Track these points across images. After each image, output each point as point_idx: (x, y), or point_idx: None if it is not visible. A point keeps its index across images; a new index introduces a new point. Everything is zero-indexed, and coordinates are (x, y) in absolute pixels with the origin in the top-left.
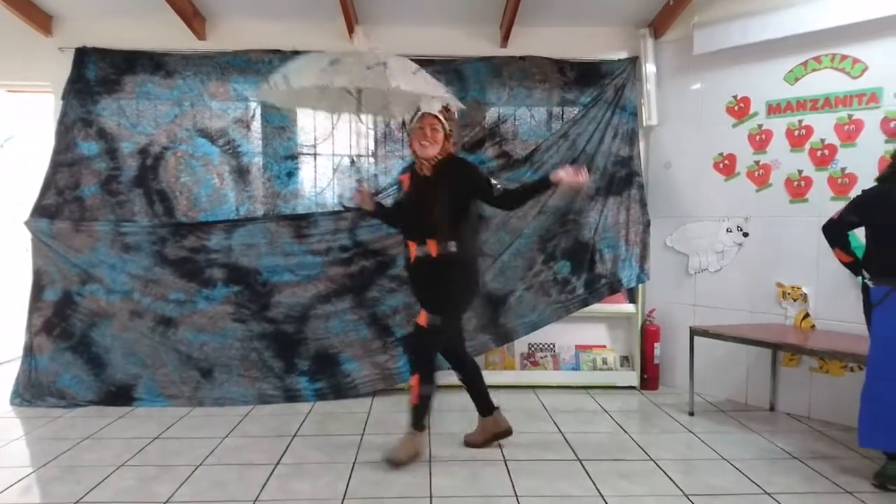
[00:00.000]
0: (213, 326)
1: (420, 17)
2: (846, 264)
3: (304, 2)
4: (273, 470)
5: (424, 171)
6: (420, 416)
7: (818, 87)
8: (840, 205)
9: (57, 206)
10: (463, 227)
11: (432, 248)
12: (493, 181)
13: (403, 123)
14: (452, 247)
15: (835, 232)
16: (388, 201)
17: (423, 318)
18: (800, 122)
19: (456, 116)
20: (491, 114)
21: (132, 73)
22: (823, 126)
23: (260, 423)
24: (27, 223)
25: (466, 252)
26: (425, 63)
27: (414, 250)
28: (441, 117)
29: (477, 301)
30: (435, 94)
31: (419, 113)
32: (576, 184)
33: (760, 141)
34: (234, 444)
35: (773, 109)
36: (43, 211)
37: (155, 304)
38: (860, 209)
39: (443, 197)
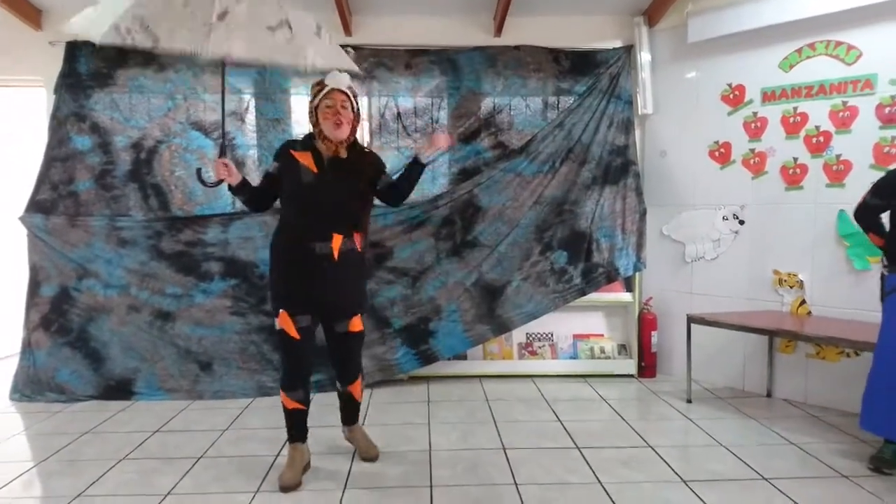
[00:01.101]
0: (211, 320)
1: (414, 6)
2: (880, 248)
3: None
4: (274, 461)
5: (339, 154)
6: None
7: (813, 74)
8: (836, 192)
9: (51, 201)
10: (367, 220)
11: (358, 241)
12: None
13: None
14: (365, 242)
15: (865, 216)
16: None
17: (357, 324)
18: (795, 109)
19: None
20: (486, 104)
21: (124, 66)
22: (818, 113)
23: (260, 416)
24: (22, 219)
25: (367, 248)
26: (419, 53)
27: (339, 243)
28: (350, 93)
29: (475, 291)
30: (341, 66)
31: (326, 88)
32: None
33: (755, 128)
34: (234, 436)
35: (768, 97)
36: (37, 206)
37: (152, 298)
38: (881, 191)
39: (364, 185)
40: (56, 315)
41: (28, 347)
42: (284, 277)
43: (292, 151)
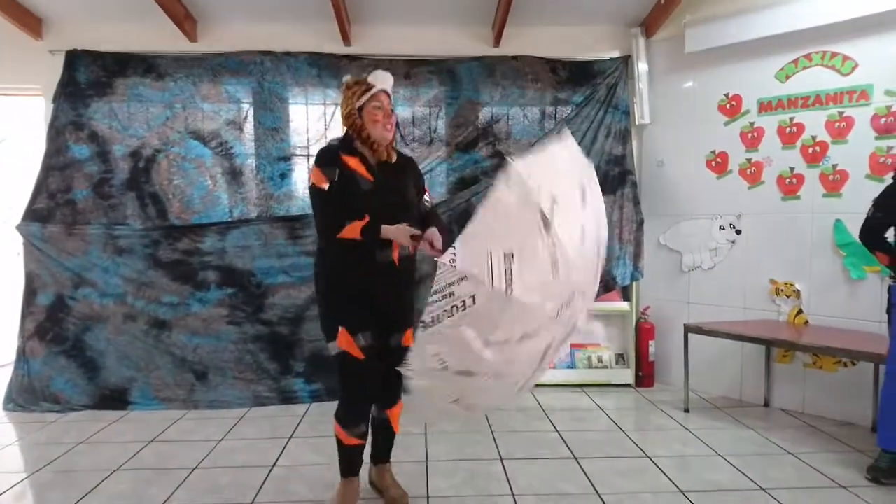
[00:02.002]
0: (207, 329)
1: (413, 17)
2: (888, 266)
3: (297, 3)
4: (269, 472)
5: (389, 158)
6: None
7: (809, 85)
8: (833, 202)
9: (49, 209)
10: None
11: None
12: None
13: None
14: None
15: (870, 234)
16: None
17: (410, 338)
18: (791, 119)
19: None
20: (484, 113)
21: (123, 75)
22: (814, 123)
23: (255, 426)
24: (19, 227)
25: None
26: (418, 63)
27: (397, 249)
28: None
29: None
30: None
31: (374, 89)
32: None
33: (752, 139)
34: (229, 446)
35: (765, 107)
36: (35, 215)
37: (149, 307)
38: (882, 205)
39: (413, 188)
40: (51, 324)
41: (23, 356)
42: (346, 294)
43: (344, 157)
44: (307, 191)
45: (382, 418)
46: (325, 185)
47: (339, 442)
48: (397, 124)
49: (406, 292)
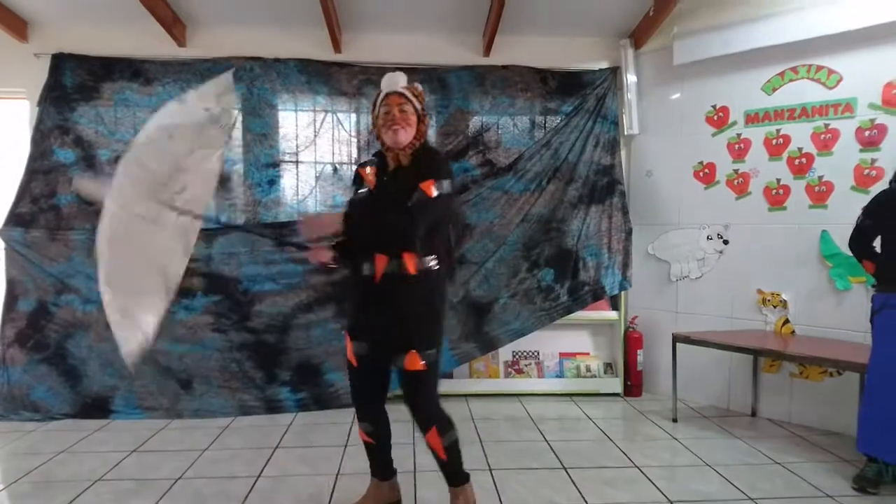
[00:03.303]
0: (192, 337)
1: (404, 25)
2: (873, 275)
3: (287, 9)
4: (254, 483)
5: (401, 162)
6: (456, 467)
7: (795, 97)
8: (819, 213)
9: (31, 214)
10: (439, 236)
11: (409, 262)
12: (426, 190)
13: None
14: (432, 262)
15: (860, 242)
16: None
17: (414, 362)
18: (777, 131)
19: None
20: (474, 122)
21: (110, 79)
22: (801, 135)
23: (241, 435)
24: (0, 232)
25: (442, 272)
26: (409, 71)
27: (381, 265)
28: (409, 94)
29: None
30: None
31: (381, 95)
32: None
33: (739, 150)
34: (214, 456)
35: (752, 119)
36: (17, 220)
37: None
38: (871, 212)
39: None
40: (33, 331)
41: (2, 364)
42: (352, 303)
43: (360, 170)
44: (295, 197)
45: (427, 443)
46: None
47: (364, 441)
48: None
49: (396, 311)
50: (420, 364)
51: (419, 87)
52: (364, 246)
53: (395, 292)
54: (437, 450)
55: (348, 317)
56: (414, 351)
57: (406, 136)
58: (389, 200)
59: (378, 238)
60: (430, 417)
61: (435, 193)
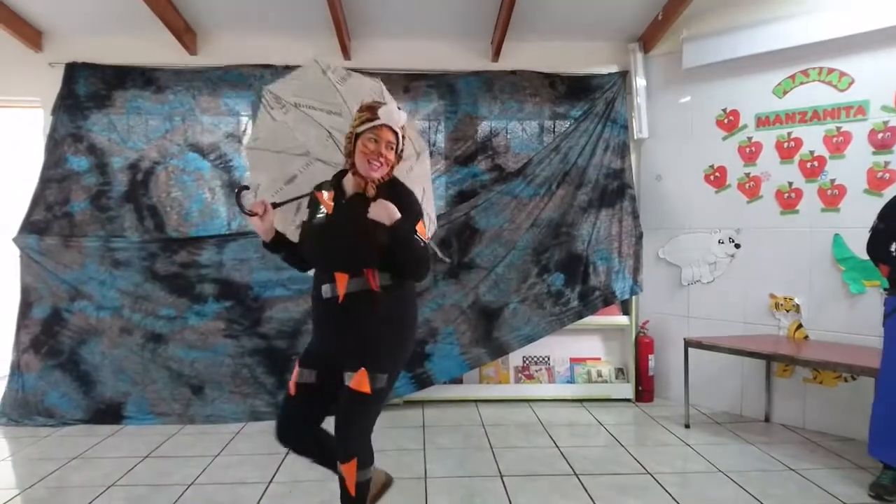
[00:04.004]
0: (204, 342)
1: (413, 32)
2: (889, 278)
3: (297, 17)
4: (266, 489)
5: (367, 191)
6: None
7: (806, 100)
8: (831, 216)
9: (46, 221)
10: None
11: (371, 279)
12: (421, 233)
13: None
14: (389, 280)
15: (876, 245)
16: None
17: (362, 382)
18: (789, 134)
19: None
20: (483, 127)
21: (122, 88)
22: (812, 138)
23: (252, 441)
24: (15, 240)
25: (410, 289)
26: (417, 77)
27: (343, 284)
28: (401, 134)
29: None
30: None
31: (375, 120)
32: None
33: (750, 153)
34: (225, 462)
35: (763, 122)
36: (32, 227)
37: (145, 320)
38: (885, 215)
39: (377, 227)
40: (47, 337)
41: (17, 370)
42: (315, 329)
43: (316, 193)
44: None
45: (339, 474)
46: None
47: None
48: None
49: (355, 327)
50: (366, 387)
51: (416, 125)
52: (323, 268)
53: (358, 310)
54: (348, 484)
55: (308, 344)
56: (364, 371)
57: (381, 172)
58: (348, 227)
59: (338, 258)
60: (356, 450)
61: (426, 240)
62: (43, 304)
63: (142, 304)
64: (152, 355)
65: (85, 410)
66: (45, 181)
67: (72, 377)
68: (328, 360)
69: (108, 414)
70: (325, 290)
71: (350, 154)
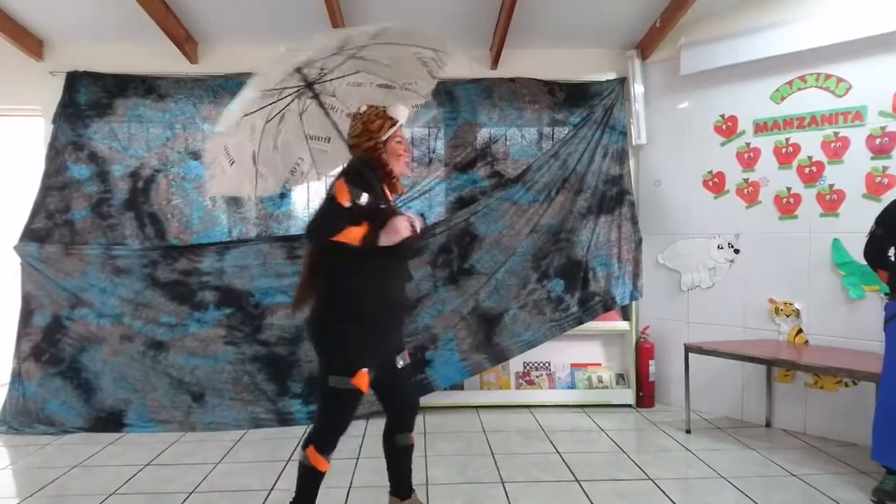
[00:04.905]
0: (204, 350)
1: None
2: (889, 284)
3: (296, 25)
4: (267, 496)
5: (397, 190)
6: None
7: (804, 106)
8: (830, 221)
9: (47, 229)
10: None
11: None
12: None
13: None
14: None
15: (873, 250)
16: None
17: (406, 355)
18: (787, 139)
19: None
20: (482, 134)
21: (123, 96)
22: (810, 144)
23: (253, 448)
24: (16, 248)
25: None
26: None
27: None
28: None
29: (471, 320)
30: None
31: (395, 121)
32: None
33: (749, 159)
34: (226, 469)
35: (761, 128)
36: (32, 235)
37: (146, 327)
38: (883, 221)
39: None
40: (47, 345)
41: (18, 378)
42: (374, 337)
43: (385, 191)
44: (306, 210)
45: (407, 444)
46: (347, 204)
47: (312, 471)
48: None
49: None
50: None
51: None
52: (400, 267)
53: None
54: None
55: (361, 352)
56: (406, 350)
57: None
58: None
59: (412, 256)
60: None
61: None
62: (44, 311)
63: (142, 311)
64: (153, 363)
65: (85, 418)
66: (45, 189)
67: (72, 385)
68: (390, 354)
69: (109, 422)
70: (402, 288)
71: (380, 162)
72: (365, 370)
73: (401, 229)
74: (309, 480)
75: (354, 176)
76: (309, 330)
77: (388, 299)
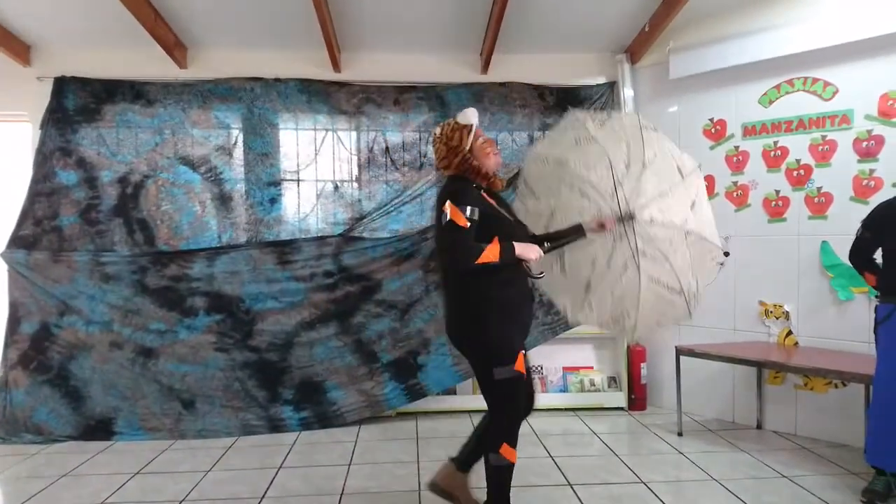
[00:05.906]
0: (194, 356)
1: (402, 44)
2: (874, 287)
3: (286, 30)
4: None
5: (497, 185)
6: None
7: (792, 110)
8: (819, 224)
9: (34, 236)
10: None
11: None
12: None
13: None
14: None
15: (859, 253)
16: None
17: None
18: (775, 143)
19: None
20: None
21: (112, 101)
22: (798, 147)
23: (244, 455)
24: (3, 255)
25: None
26: (407, 89)
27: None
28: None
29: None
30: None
31: (471, 127)
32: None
33: (738, 162)
34: (217, 477)
35: (749, 131)
36: (20, 242)
37: (135, 334)
38: (870, 223)
39: None
40: (35, 353)
41: (5, 386)
42: (520, 323)
43: (483, 194)
44: (297, 215)
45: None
46: (466, 224)
47: (508, 467)
48: (387, 149)
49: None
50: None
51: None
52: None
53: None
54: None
55: (516, 333)
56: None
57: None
58: (525, 225)
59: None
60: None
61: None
62: (31, 319)
63: (132, 318)
64: (142, 370)
65: (74, 427)
66: (33, 195)
67: (61, 393)
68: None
69: (98, 430)
70: (528, 284)
71: (472, 169)
72: (522, 351)
73: (532, 255)
74: (507, 478)
75: (457, 196)
76: (458, 338)
77: (524, 288)
